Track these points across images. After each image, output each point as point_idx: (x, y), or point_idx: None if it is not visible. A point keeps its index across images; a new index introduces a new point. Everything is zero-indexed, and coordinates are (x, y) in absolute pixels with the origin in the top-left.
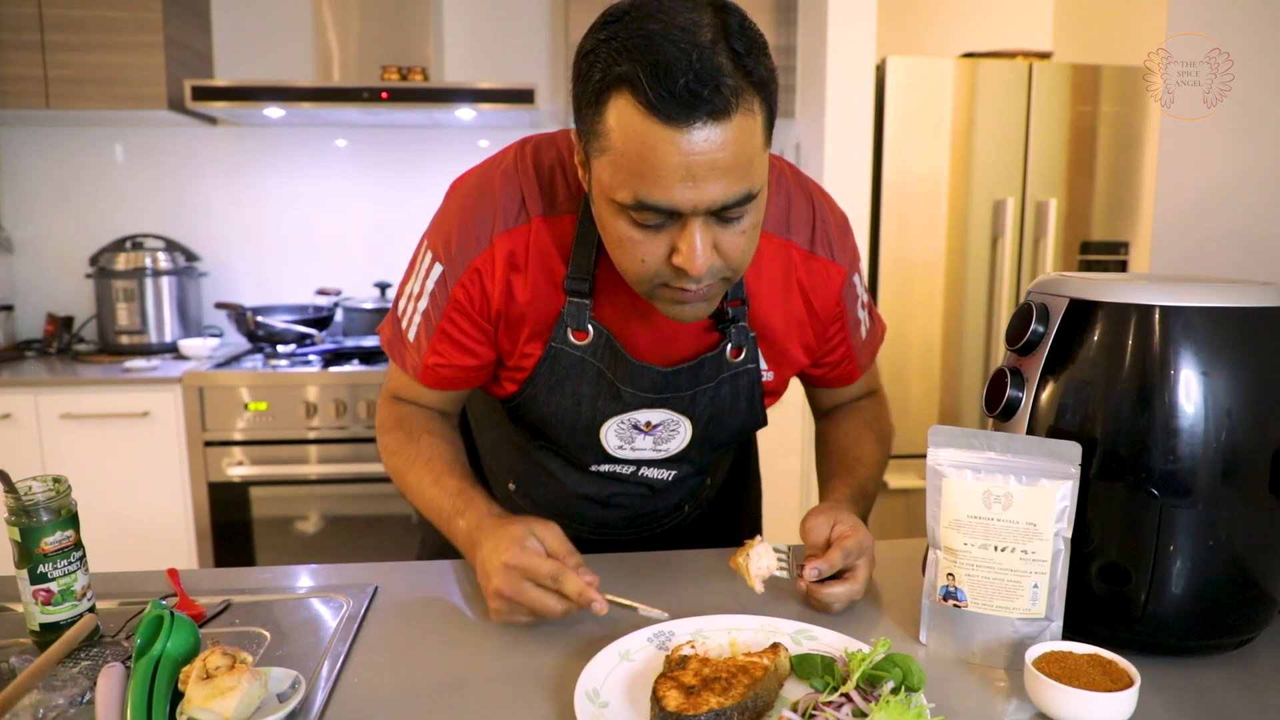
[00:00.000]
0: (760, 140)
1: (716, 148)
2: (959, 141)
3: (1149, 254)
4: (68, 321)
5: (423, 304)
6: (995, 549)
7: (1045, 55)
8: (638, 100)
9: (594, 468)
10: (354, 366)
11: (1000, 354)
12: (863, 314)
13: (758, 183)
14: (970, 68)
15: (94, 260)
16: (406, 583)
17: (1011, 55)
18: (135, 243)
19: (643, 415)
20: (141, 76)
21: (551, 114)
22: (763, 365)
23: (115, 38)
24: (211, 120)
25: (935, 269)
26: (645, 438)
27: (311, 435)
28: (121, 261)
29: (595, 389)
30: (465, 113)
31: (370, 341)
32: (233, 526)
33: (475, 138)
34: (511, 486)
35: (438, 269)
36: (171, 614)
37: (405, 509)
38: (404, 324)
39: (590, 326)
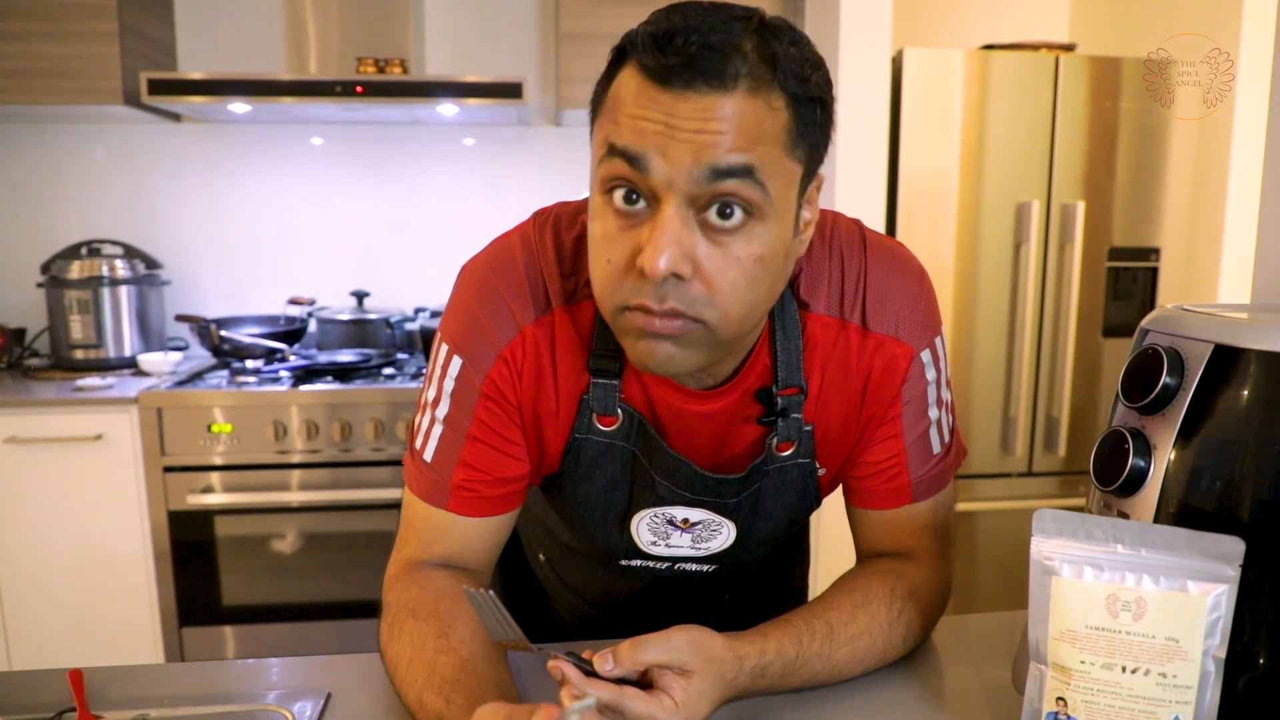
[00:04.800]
0: (777, 136)
1: (709, 118)
2: (980, 139)
3: (1183, 261)
4: (19, 334)
5: (443, 409)
6: (1123, 670)
7: (1069, 47)
8: (637, 61)
9: (624, 562)
10: (328, 384)
11: (1025, 369)
12: (936, 413)
13: (765, 171)
14: (992, 60)
15: (45, 268)
16: (366, 685)
17: (1035, 47)
18: (91, 249)
19: (679, 512)
20: (94, 68)
21: (541, 110)
22: (817, 465)
23: (64, 26)
24: (175, 116)
25: (962, 274)
26: (682, 535)
27: (281, 460)
28: (76, 269)
29: (630, 475)
30: (448, 108)
31: (346, 356)
32: (195, 558)
33: (459, 135)
34: (542, 558)
35: (457, 364)
36: None
37: (384, 525)
38: (419, 443)
39: (620, 410)
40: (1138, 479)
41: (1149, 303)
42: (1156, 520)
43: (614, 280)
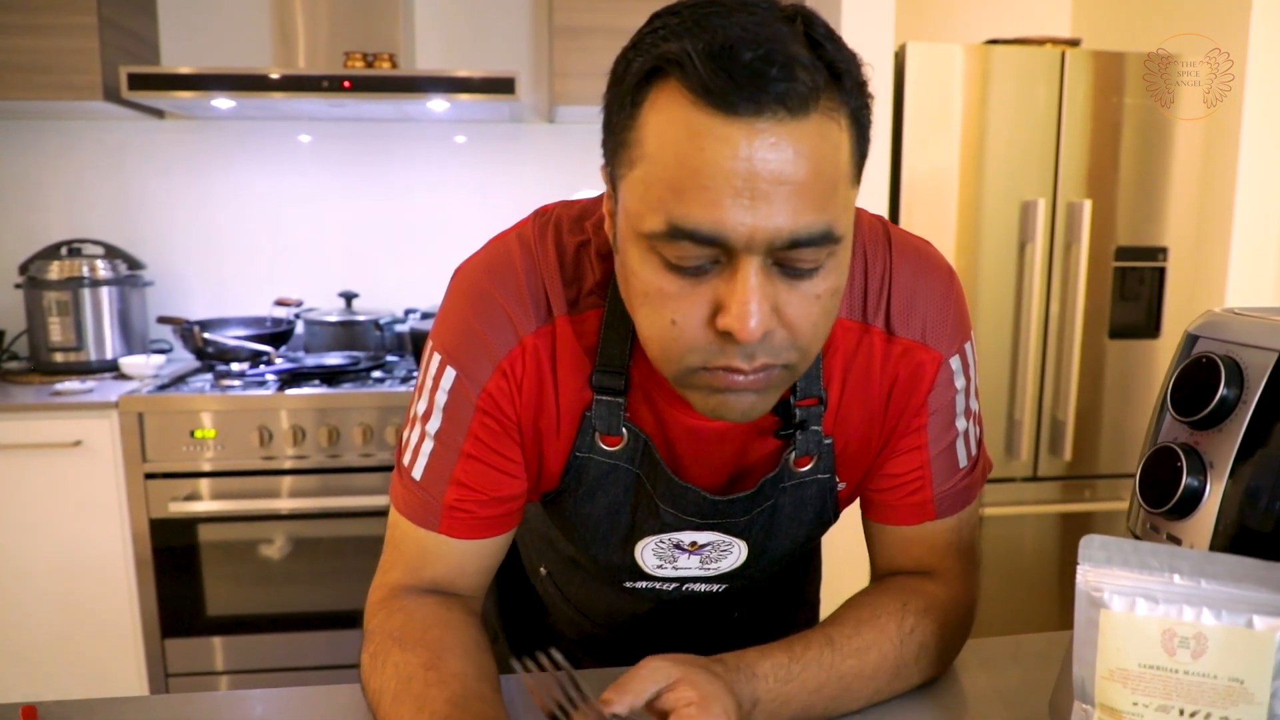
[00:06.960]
0: (847, 164)
1: (789, 154)
2: (983, 135)
3: (1191, 261)
4: None
5: (434, 424)
6: (1181, 713)
7: (1074, 42)
8: (687, 85)
9: (628, 584)
10: (315, 388)
11: (1030, 371)
12: (963, 424)
13: (841, 224)
14: (995, 55)
15: (24, 268)
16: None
17: (1039, 42)
18: (71, 249)
19: (687, 536)
20: (72, 63)
21: (534, 106)
22: (837, 479)
23: (41, 19)
24: (158, 113)
25: (964, 273)
26: (690, 557)
27: (267, 466)
28: (55, 270)
29: (634, 499)
30: (438, 104)
31: (333, 359)
32: (178, 567)
33: (450, 132)
34: (543, 571)
35: (450, 375)
36: None
37: (374, 531)
38: (407, 460)
39: (625, 429)
40: (1192, 500)
41: (1156, 304)
42: (1212, 545)
43: (684, 341)
